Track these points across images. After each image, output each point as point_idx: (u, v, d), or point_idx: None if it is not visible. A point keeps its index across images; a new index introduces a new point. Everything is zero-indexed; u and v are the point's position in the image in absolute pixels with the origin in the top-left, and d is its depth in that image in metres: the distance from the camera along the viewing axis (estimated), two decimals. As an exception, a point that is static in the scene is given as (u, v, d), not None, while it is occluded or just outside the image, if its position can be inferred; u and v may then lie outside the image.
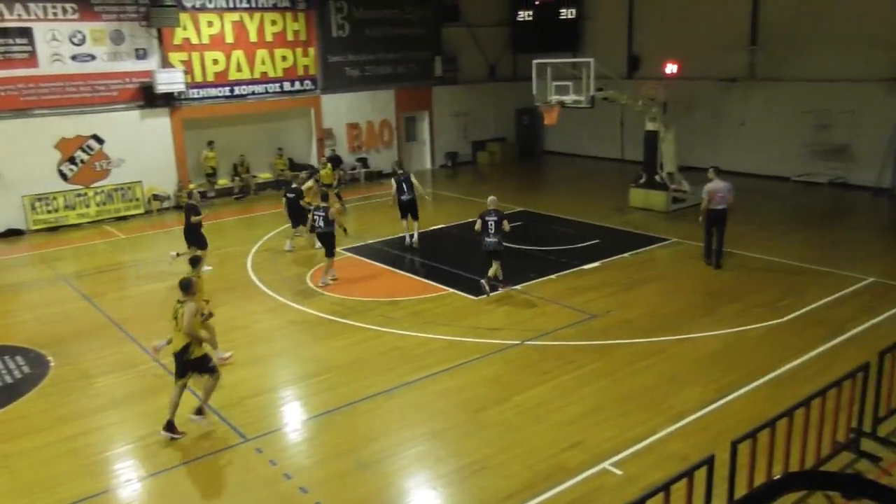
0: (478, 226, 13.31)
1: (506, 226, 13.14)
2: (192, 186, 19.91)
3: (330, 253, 14.22)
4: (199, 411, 8.90)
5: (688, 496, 5.83)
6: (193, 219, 14.73)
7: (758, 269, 14.23)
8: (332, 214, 14.39)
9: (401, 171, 16.93)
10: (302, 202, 16.35)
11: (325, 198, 14.87)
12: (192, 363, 8.62)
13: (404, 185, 16.35)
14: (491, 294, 13.06)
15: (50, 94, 19.68)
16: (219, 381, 8.93)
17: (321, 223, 14.29)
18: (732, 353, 10.40)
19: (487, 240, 13.17)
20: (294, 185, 16.97)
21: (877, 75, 20.03)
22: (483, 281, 13.09)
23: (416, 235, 16.70)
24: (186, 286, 8.65)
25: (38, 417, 9.37)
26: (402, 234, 17.05)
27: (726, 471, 6.28)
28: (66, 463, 8.25)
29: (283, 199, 16.87)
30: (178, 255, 14.86)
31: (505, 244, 13.46)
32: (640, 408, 8.94)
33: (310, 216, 14.94)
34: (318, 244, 15.31)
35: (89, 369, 10.76)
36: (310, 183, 17.31)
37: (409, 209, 16.52)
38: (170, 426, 8.56)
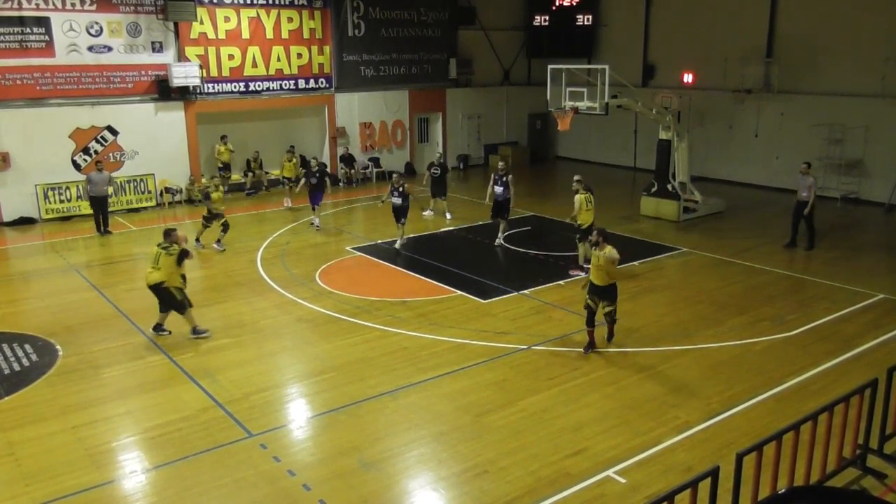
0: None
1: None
2: (205, 181, 19.99)
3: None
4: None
5: (691, 507, 5.82)
6: None
7: (766, 282, 14.18)
8: (408, 190, 16.79)
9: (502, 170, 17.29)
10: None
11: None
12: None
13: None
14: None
15: (66, 84, 19.79)
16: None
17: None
18: (738, 366, 10.37)
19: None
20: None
21: (891, 91, 19.93)
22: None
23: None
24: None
25: (45, 406, 9.42)
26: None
27: (730, 483, 6.27)
28: (72, 452, 8.29)
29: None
30: None
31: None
32: (645, 417, 8.93)
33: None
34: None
35: (97, 359, 10.82)
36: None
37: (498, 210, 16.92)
38: None
